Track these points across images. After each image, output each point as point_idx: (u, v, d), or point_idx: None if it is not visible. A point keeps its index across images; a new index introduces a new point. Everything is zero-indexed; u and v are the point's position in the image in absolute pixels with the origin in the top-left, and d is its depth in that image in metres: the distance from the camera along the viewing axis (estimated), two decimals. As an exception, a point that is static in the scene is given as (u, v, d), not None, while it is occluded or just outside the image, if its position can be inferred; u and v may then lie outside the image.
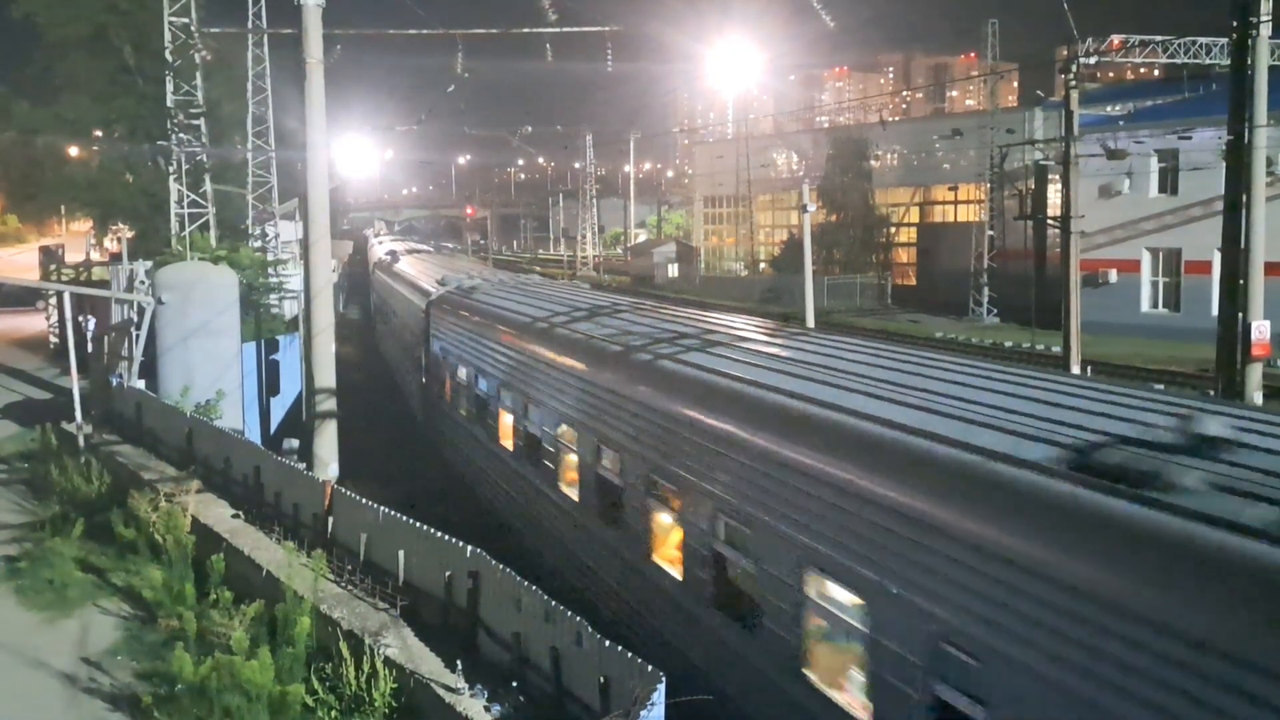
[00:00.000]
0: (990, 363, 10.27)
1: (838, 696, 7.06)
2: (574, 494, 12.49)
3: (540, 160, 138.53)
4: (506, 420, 15.57)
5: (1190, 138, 38.65)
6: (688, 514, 9.48)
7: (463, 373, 18.42)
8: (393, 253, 42.51)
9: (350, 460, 17.29)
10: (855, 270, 63.44)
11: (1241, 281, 16.59)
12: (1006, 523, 5.67)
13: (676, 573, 9.80)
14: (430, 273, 28.94)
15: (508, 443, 15.46)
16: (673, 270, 78.77)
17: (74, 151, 36.32)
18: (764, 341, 11.73)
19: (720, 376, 9.78)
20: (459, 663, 8.81)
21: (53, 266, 41.39)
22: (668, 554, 10.20)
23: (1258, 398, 16.92)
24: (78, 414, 19.41)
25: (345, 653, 9.32)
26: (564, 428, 12.85)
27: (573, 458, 12.55)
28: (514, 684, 8.60)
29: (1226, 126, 16.69)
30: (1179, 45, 43.45)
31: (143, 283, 21.93)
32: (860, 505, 6.77)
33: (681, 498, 9.67)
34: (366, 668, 9.09)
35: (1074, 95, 25.09)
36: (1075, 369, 23.61)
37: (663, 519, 10.33)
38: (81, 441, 18.49)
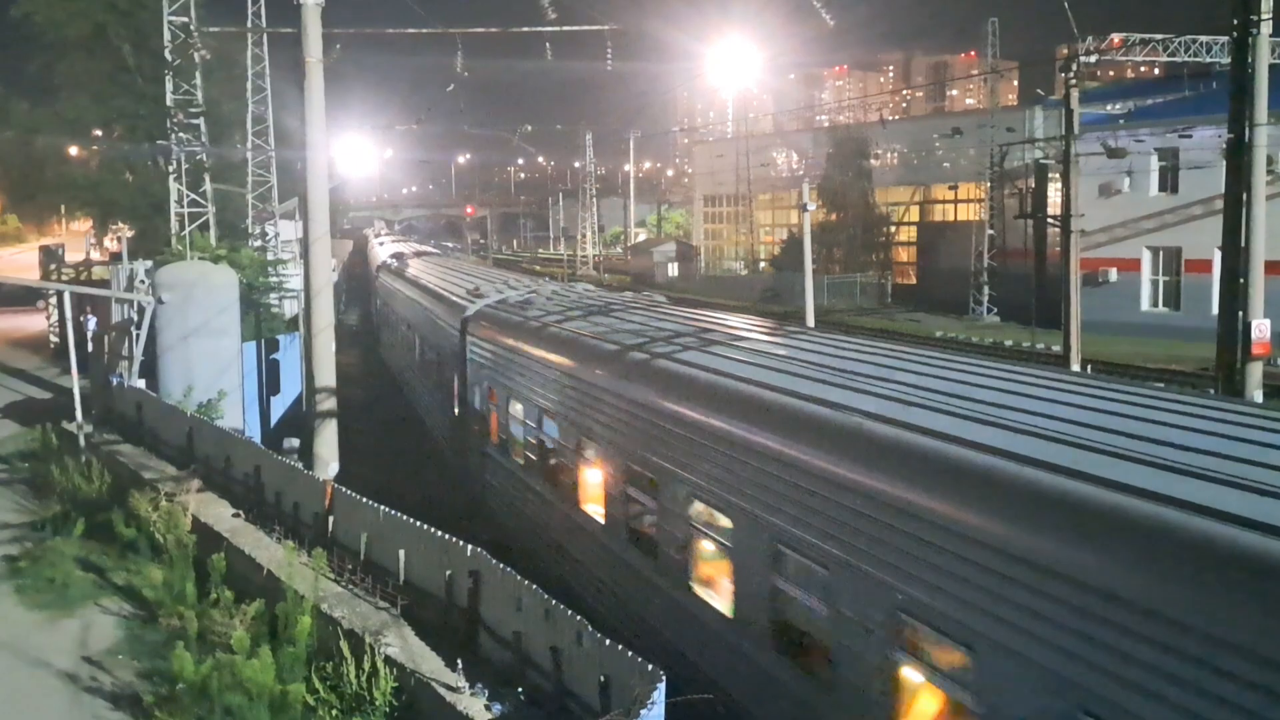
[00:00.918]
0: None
1: None
2: (723, 605, 8.75)
3: (540, 159, 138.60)
4: (592, 480, 11.85)
5: (1190, 136, 38.66)
6: (983, 685, 5.83)
7: (520, 410, 14.58)
8: (399, 255, 38.67)
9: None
10: (855, 269, 63.46)
11: (1242, 280, 16.56)
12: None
13: None
14: (455, 280, 24.40)
15: (595, 510, 11.70)
16: (672, 269, 78.80)
17: (74, 151, 36.33)
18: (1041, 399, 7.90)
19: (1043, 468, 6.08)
20: (459, 662, 8.82)
21: (53, 266, 41.41)
22: None
23: (1258, 396, 16.91)
24: (78, 413, 19.42)
25: (346, 652, 9.33)
26: (698, 506, 9.24)
27: (710, 547, 9.07)
28: (515, 685, 8.61)
29: (1227, 125, 16.67)
30: (1179, 43, 43.50)
31: (143, 282, 21.93)
32: None
33: (974, 661, 5.99)
34: (367, 667, 9.09)
35: (1074, 94, 25.06)
36: (1075, 368, 23.60)
37: (910, 676, 6.68)
38: (82, 441, 18.50)
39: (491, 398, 16.22)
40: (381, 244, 54.51)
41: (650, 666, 7.02)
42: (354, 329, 48.27)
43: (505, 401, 15.40)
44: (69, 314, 21.53)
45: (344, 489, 12.48)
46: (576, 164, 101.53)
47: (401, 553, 10.75)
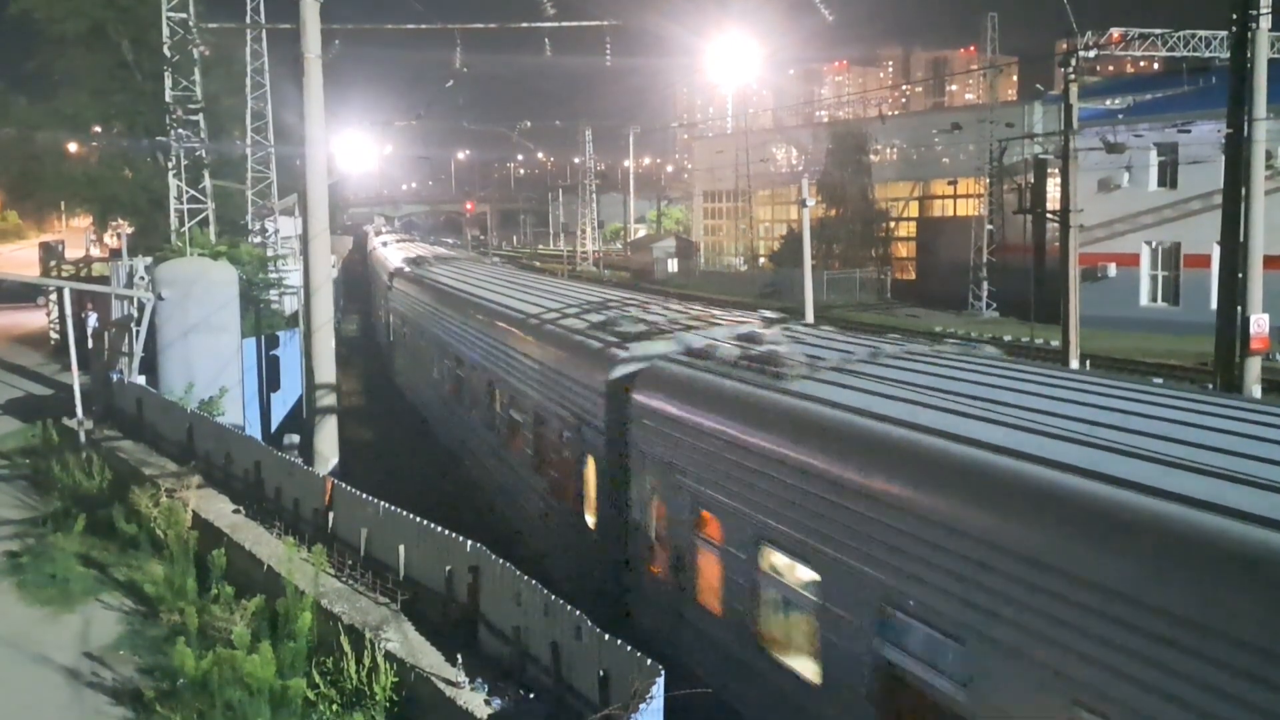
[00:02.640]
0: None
1: None
2: None
3: (540, 155, 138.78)
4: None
5: (1189, 131, 38.63)
6: None
7: (800, 577, 7.91)
8: (419, 259, 30.93)
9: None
10: (855, 265, 63.52)
11: (1240, 275, 16.60)
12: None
13: None
14: (542, 301, 16.60)
15: None
16: (672, 265, 78.87)
17: (73, 147, 36.37)
18: None
19: None
20: (459, 657, 8.85)
21: (53, 263, 41.40)
22: None
23: (1256, 391, 16.95)
24: (79, 410, 19.44)
25: (346, 647, 9.36)
26: None
27: None
28: (514, 678, 8.65)
29: (1226, 120, 16.69)
30: (1178, 38, 43.54)
31: (143, 279, 21.96)
32: None
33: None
34: (367, 662, 9.13)
35: (1073, 89, 25.05)
36: (1074, 363, 23.63)
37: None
38: (83, 437, 18.53)
39: (704, 527, 9.16)
40: (386, 244, 45.89)
41: (649, 661, 7.05)
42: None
43: (747, 547, 8.38)
44: (69, 310, 21.55)
45: (343, 485, 12.51)
46: (576, 160, 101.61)
47: (401, 548, 10.78)
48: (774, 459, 8.19)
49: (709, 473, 9.14)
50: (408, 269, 28.88)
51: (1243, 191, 16.33)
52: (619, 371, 11.10)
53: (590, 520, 11.68)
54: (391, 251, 38.97)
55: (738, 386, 9.28)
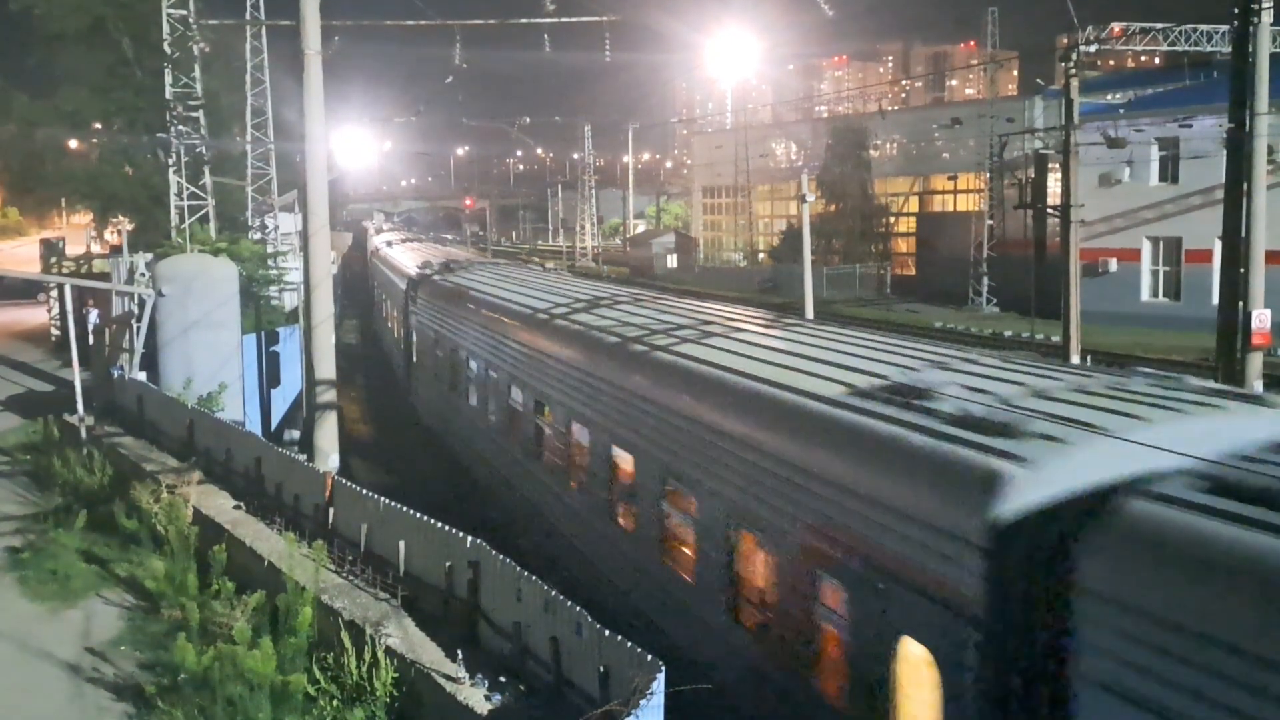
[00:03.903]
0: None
1: None
2: None
3: (539, 151, 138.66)
4: None
5: (1191, 126, 38.56)
6: None
7: None
8: (447, 265, 24.98)
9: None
10: (854, 260, 63.45)
11: (1242, 270, 16.58)
12: None
13: None
14: (737, 349, 10.34)
15: None
16: (671, 261, 78.81)
17: (73, 144, 36.36)
18: None
19: None
20: (459, 652, 8.86)
21: (53, 259, 41.39)
22: None
23: (1258, 386, 16.93)
24: (79, 406, 19.45)
25: (347, 642, 9.37)
26: None
27: None
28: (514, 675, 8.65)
29: (1227, 114, 16.66)
30: (1180, 33, 43.47)
31: (143, 275, 21.96)
32: None
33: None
34: (368, 657, 9.14)
35: (1074, 83, 24.99)
36: (1075, 359, 23.61)
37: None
38: (83, 433, 18.53)
39: None
40: (392, 244, 39.96)
41: (650, 657, 7.05)
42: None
43: None
44: (70, 307, 21.55)
45: (344, 481, 12.51)
46: (575, 155, 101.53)
47: (402, 544, 10.79)
48: None
49: None
50: (439, 279, 22.50)
51: (1244, 186, 16.30)
52: (1020, 508, 5.65)
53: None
54: (402, 253, 33.51)
55: None
